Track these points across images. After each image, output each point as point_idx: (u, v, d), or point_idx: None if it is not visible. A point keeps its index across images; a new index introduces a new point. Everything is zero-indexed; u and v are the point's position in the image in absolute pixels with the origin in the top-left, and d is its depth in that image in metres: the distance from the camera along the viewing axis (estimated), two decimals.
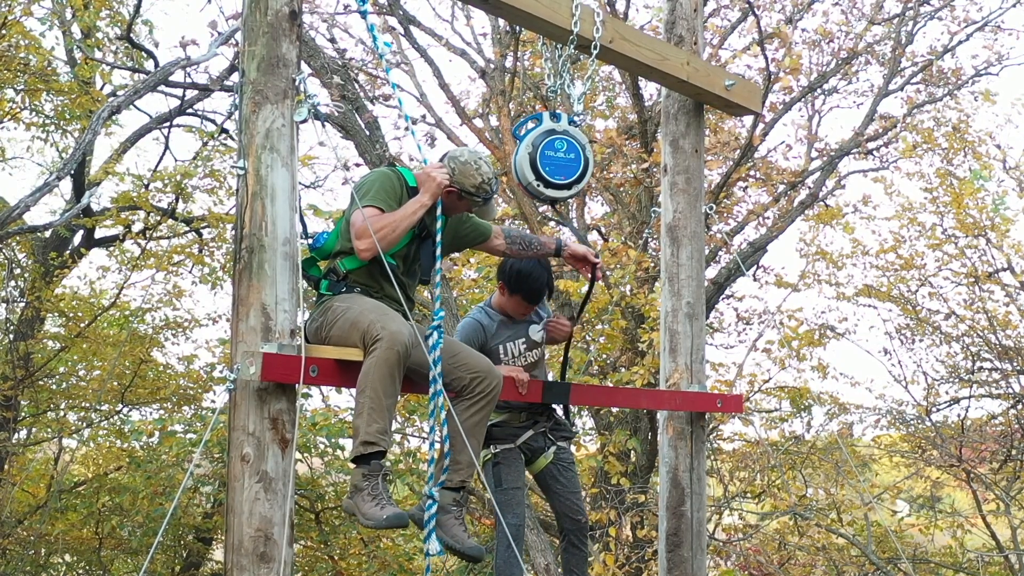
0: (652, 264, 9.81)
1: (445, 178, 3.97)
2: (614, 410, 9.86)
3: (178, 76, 9.15)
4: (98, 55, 11.37)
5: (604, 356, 10.07)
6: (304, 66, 3.89)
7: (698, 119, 5.41)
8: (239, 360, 3.61)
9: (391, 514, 3.71)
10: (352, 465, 3.84)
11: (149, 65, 9.89)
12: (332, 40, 10.13)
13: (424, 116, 11.43)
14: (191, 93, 10.74)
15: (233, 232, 11.62)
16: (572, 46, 4.60)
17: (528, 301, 4.87)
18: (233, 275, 3.75)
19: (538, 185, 4.52)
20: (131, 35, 9.09)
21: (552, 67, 4.69)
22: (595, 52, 4.65)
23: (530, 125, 4.63)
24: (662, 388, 5.34)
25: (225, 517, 3.69)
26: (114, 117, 12.84)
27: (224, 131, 10.07)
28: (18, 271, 12.09)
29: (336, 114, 7.33)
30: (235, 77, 8.53)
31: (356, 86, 7.85)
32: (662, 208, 5.46)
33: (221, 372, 11.78)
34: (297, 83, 3.76)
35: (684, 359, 5.26)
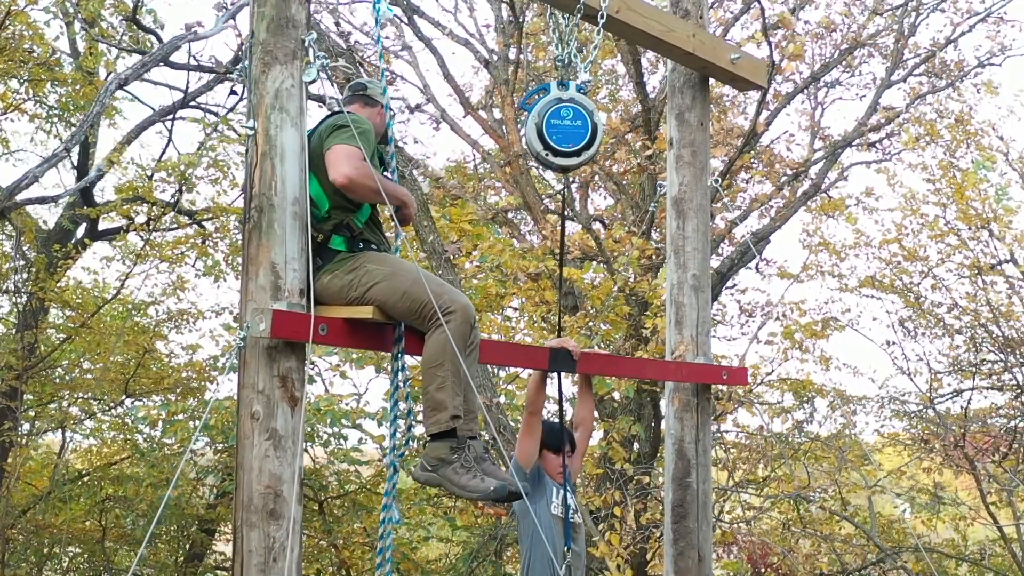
0: (655, 252, 9.83)
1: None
2: (617, 397, 9.87)
3: (183, 64, 9.19)
4: (101, 46, 11.37)
5: (608, 343, 10.08)
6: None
7: (704, 92, 5.43)
8: (249, 317, 3.62)
9: (497, 485, 3.70)
10: (429, 438, 3.82)
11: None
12: (337, 24, 10.17)
13: (428, 100, 11.45)
14: (194, 89, 10.73)
15: (237, 222, 11.60)
16: (579, 15, 4.61)
17: (544, 446, 4.77)
18: (243, 235, 3.76)
19: (546, 154, 4.54)
20: (137, 17, 9.11)
21: (558, 36, 4.68)
22: (602, 21, 4.66)
23: (537, 96, 4.65)
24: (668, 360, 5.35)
25: (235, 475, 3.70)
26: (117, 109, 12.95)
27: (237, 101, 10.08)
28: (22, 263, 12.09)
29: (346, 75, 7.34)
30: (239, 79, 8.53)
31: (361, 70, 7.87)
32: (667, 182, 5.47)
33: (225, 361, 11.77)
34: (306, 44, 3.78)
35: (690, 331, 5.27)
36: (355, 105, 4.16)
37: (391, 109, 4.28)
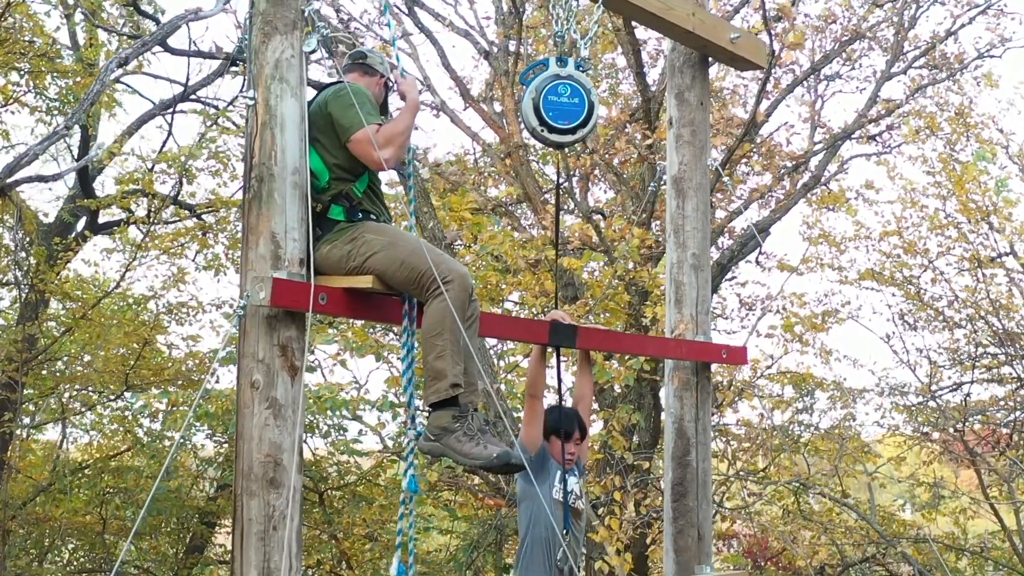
0: (655, 243, 9.83)
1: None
2: (617, 388, 9.87)
3: (183, 50, 9.20)
4: (102, 37, 11.38)
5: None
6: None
7: (703, 72, 5.43)
8: (249, 286, 3.62)
9: (501, 452, 3.66)
10: (430, 409, 3.79)
11: None
12: (337, 11, 10.18)
13: (427, 88, 11.45)
14: (195, 82, 10.72)
15: (237, 213, 11.57)
16: None
17: (552, 432, 4.69)
18: (243, 205, 3.76)
19: (542, 130, 4.53)
20: (136, 3, 9.12)
21: (558, 13, 4.68)
22: None
23: (535, 72, 4.64)
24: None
25: (235, 444, 3.70)
26: (117, 101, 12.95)
27: (237, 96, 10.08)
28: (23, 254, 12.09)
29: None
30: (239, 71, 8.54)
31: None
32: (667, 161, 5.48)
33: (223, 354, 11.72)
34: (306, 14, 3.79)
35: (689, 310, 5.27)
36: (354, 74, 4.16)
37: (392, 83, 4.28)
